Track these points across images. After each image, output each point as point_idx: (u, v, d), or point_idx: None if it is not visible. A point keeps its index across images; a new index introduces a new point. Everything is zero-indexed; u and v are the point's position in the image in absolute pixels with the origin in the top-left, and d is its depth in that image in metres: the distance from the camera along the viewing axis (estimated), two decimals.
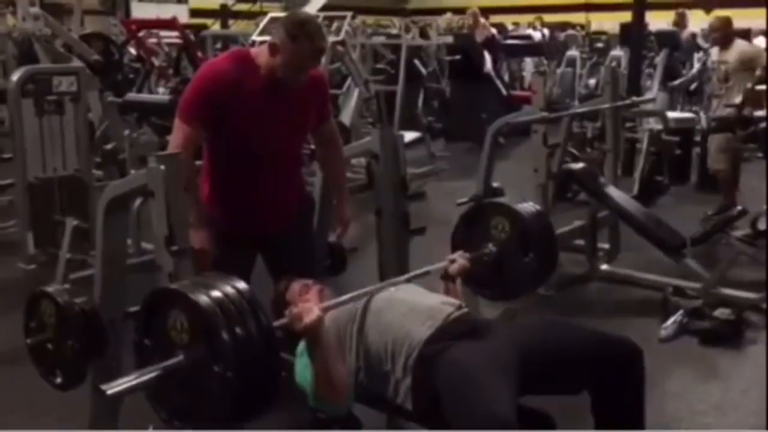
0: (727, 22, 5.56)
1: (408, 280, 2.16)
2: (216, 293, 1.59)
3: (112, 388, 1.55)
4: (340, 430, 2.30)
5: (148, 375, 1.58)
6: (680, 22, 8.46)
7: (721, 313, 3.44)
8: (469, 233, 2.54)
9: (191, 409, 1.62)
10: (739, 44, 5.49)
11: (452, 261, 2.30)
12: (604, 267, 4.30)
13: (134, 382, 1.58)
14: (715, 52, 5.67)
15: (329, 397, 1.88)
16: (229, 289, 1.61)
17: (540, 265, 2.46)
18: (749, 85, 5.14)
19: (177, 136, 2.34)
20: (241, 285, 1.64)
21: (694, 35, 8.87)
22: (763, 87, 4.99)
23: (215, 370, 1.53)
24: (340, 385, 1.88)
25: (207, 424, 1.61)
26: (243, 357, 1.54)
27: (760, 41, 9.98)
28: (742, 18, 9.88)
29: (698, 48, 8.93)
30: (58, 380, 2.09)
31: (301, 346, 1.93)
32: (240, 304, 1.59)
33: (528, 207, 2.52)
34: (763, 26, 9.71)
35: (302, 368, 1.93)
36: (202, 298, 1.56)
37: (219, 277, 1.67)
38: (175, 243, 1.91)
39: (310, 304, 1.83)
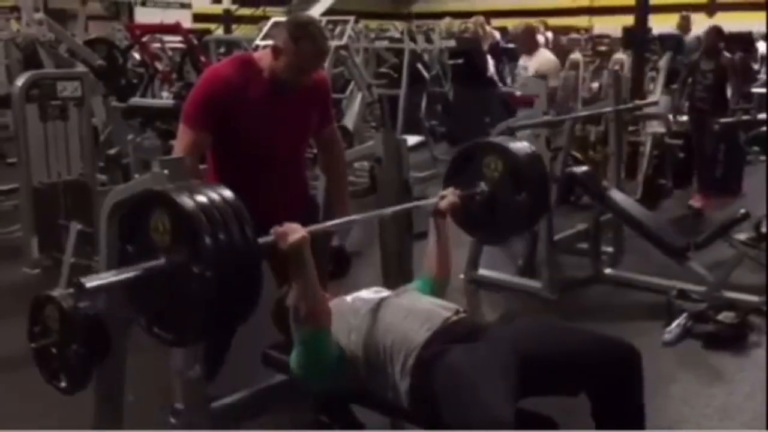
0: (531, 30, 5.64)
1: (394, 213, 2.20)
2: (200, 197, 1.57)
3: (91, 281, 1.53)
4: (341, 431, 2.31)
5: (128, 273, 1.57)
6: (684, 26, 8.46)
7: (725, 316, 3.43)
8: (461, 173, 2.49)
9: (171, 314, 1.60)
10: (542, 54, 5.55)
11: (443, 197, 2.31)
12: (607, 270, 4.30)
13: (113, 279, 1.56)
14: (522, 58, 5.74)
15: (308, 318, 1.90)
16: (214, 195, 1.60)
17: (532, 204, 2.43)
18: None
19: (181, 141, 2.35)
20: (227, 193, 1.63)
21: (699, 38, 8.83)
22: None
23: (195, 272, 1.51)
24: (319, 306, 1.91)
25: (187, 330, 1.60)
26: (223, 259, 1.52)
27: (760, 45, 9.98)
28: (744, 22, 9.91)
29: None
30: (63, 384, 2.09)
31: (296, 337, 1.95)
32: (224, 209, 1.57)
33: (521, 146, 2.48)
34: (764, 30, 9.72)
35: (294, 357, 1.96)
36: (186, 200, 1.55)
37: (204, 184, 1.66)
38: None
39: (295, 225, 1.87)
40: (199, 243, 1.52)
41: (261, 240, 1.75)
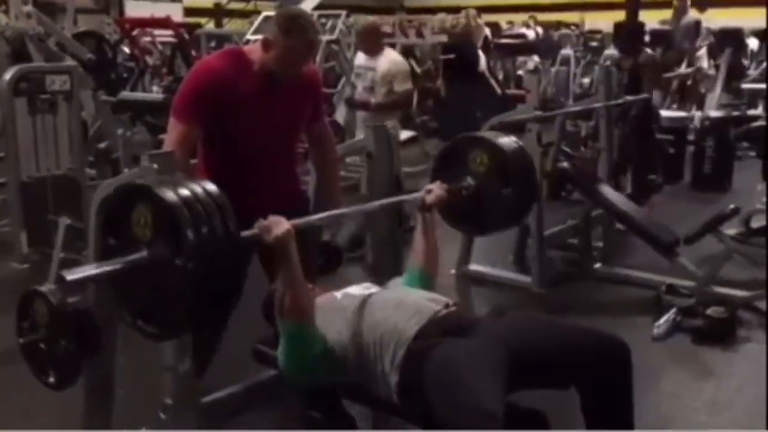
0: (374, 29, 5.15)
1: (381, 207, 2.21)
2: (183, 190, 1.56)
3: (73, 274, 1.53)
4: (330, 425, 2.31)
5: (110, 266, 1.56)
6: (680, 9, 8.35)
7: (714, 311, 3.45)
8: (448, 168, 2.49)
9: (155, 307, 1.60)
10: (389, 55, 5.03)
11: (429, 191, 2.31)
12: (597, 265, 4.31)
13: (95, 272, 1.56)
14: (361, 57, 5.14)
15: (292, 311, 1.90)
16: (196, 188, 1.59)
17: (519, 198, 2.43)
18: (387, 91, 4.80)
19: (172, 135, 2.34)
20: (210, 186, 1.62)
21: (698, 22, 8.69)
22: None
23: (177, 264, 1.51)
24: (303, 299, 1.92)
25: (170, 323, 1.59)
26: (205, 252, 1.51)
27: (751, 42, 10.01)
28: (737, 18, 9.94)
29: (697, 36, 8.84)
30: (51, 380, 2.08)
31: (281, 330, 1.95)
32: (206, 202, 1.57)
33: (508, 141, 2.48)
34: (754, 26, 9.75)
35: (279, 350, 1.97)
36: (168, 194, 1.54)
37: (188, 178, 1.65)
38: None
39: (280, 218, 1.87)
40: (181, 236, 1.51)
41: (245, 233, 1.74)
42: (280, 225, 1.84)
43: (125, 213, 1.61)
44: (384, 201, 2.34)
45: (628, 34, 5.90)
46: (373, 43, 5.01)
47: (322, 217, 2.09)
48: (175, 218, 1.52)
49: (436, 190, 2.31)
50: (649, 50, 5.81)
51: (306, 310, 1.93)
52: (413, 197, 2.35)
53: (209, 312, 1.59)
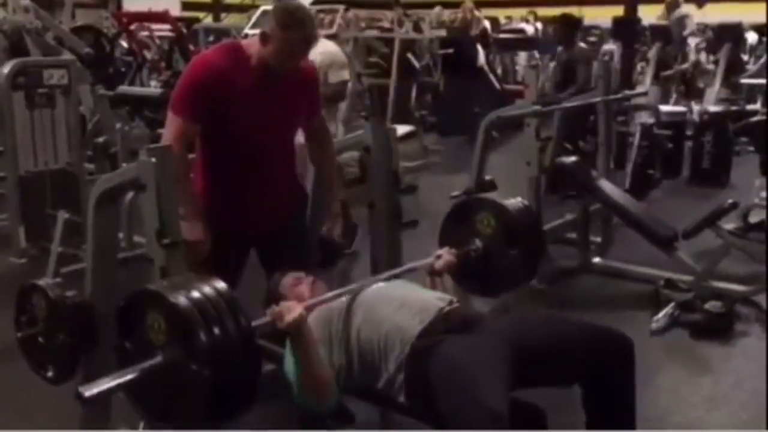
0: None
1: (392, 277, 2.16)
2: (194, 293, 1.58)
3: (90, 390, 1.54)
4: (333, 431, 2.31)
5: (126, 376, 1.58)
6: (672, 4, 8.38)
7: (712, 305, 3.45)
8: (456, 229, 2.54)
9: (171, 409, 1.62)
10: (323, 45, 4.73)
11: (438, 257, 2.30)
12: (596, 260, 4.31)
13: (112, 384, 1.57)
14: None
15: (313, 393, 1.90)
16: (207, 289, 1.60)
17: (526, 260, 2.47)
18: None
19: (169, 129, 2.34)
20: (220, 285, 1.64)
21: (686, 17, 8.69)
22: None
23: (192, 369, 1.53)
24: (323, 382, 1.90)
25: (187, 424, 1.61)
26: (220, 356, 1.54)
27: (750, 36, 10.01)
28: (734, 13, 9.94)
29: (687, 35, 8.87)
30: (49, 374, 2.08)
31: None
32: (218, 303, 1.58)
33: (514, 202, 2.52)
34: (753, 21, 9.75)
35: (289, 363, 1.94)
36: (179, 299, 1.56)
37: (198, 278, 1.67)
38: (167, 236, 1.90)
39: (292, 303, 1.85)
40: (195, 341, 1.53)
41: (256, 323, 1.74)
42: (292, 311, 1.81)
43: (139, 317, 1.63)
44: (395, 271, 2.27)
45: (565, 27, 5.87)
46: None
47: (338, 293, 2.04)
48: (188, 324, 1.54)
49: (445, 255, 2.30)
50: (582, 44, 5.79)
51: (327, 389, 1.91)
52: (423, 264, 2.31)
53: (227, 411, 1.60)
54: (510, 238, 2.43)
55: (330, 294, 1.99)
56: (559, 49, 6.33)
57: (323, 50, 4.60)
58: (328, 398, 1.92)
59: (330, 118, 4.04)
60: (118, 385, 1.58)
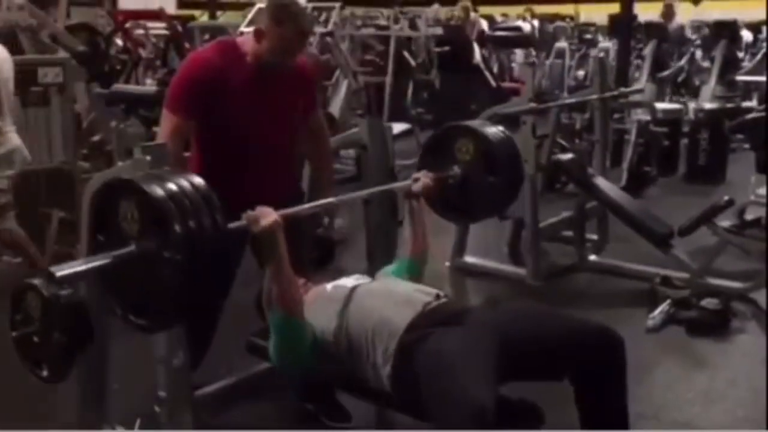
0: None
1: (369, 196, 2.23)
2: (169, 184, 1.57)
3: (62, 270, 1.54)
4: (331, 431, 2.31)
5: (99, 261, 1.58)
6: (667, 14, 8.48)
7: (708, 303, 3.46)
8: (435, 157, 2.51)
9: (145, 300, 1.61)
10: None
11: (416, 179, 2.32)
12: (592, 257, 4.31)
13: (84, 267, 1.57)
14: None
15: (280, 303, 1.88)
16: (182, 182, 1.60)
17: (505, 186, 2.45)
18: None
19: (165, 127, 2.33)
20: (196, 179, 1.63)
21: (682, 27, 8.88)
22: None
23: (165, 257, 1.52)
24: (291, 291, 1.90)
25: (160, 315, 1.61)
26: (193, 244, 1.53)
27: (745, 34, 10.03)
28: (730, 10, 9.95)
29: (685, 40, 8.95)
30: (44, 373, 2.07)
31: (270, 322, 1.94)
32: (193, 196, 1.58)
33: (493, 130, 2.50)
34: (748, 19, 9.76)
35: (270, 343, 1.96)
36: (154, 188, 1.55)
37: (174, 171, 1.67)
38: None
39: (268, 209, 1.85)
40: (169, 230, 1.52)
41: (232, 225, 1.74)
42: (267, 216, 1.83)
43: (112, 209, 1.61)
44: (372, 190, 2.35)
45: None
46: None
47: (311, 207, 2.09)
48: (162, 212, 1.53)
49: (422, 178, 2.32)
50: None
51: (294, 302, 1.92)
52: (400, 186, 2.37)
53: (198, 303, 1.59)
54: (489, 165, 2.41)
55: (304, 206, 2.09)
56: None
57: None
58: (295, 311, 1.91)
59: None
60: (92, 269, 1.58)
